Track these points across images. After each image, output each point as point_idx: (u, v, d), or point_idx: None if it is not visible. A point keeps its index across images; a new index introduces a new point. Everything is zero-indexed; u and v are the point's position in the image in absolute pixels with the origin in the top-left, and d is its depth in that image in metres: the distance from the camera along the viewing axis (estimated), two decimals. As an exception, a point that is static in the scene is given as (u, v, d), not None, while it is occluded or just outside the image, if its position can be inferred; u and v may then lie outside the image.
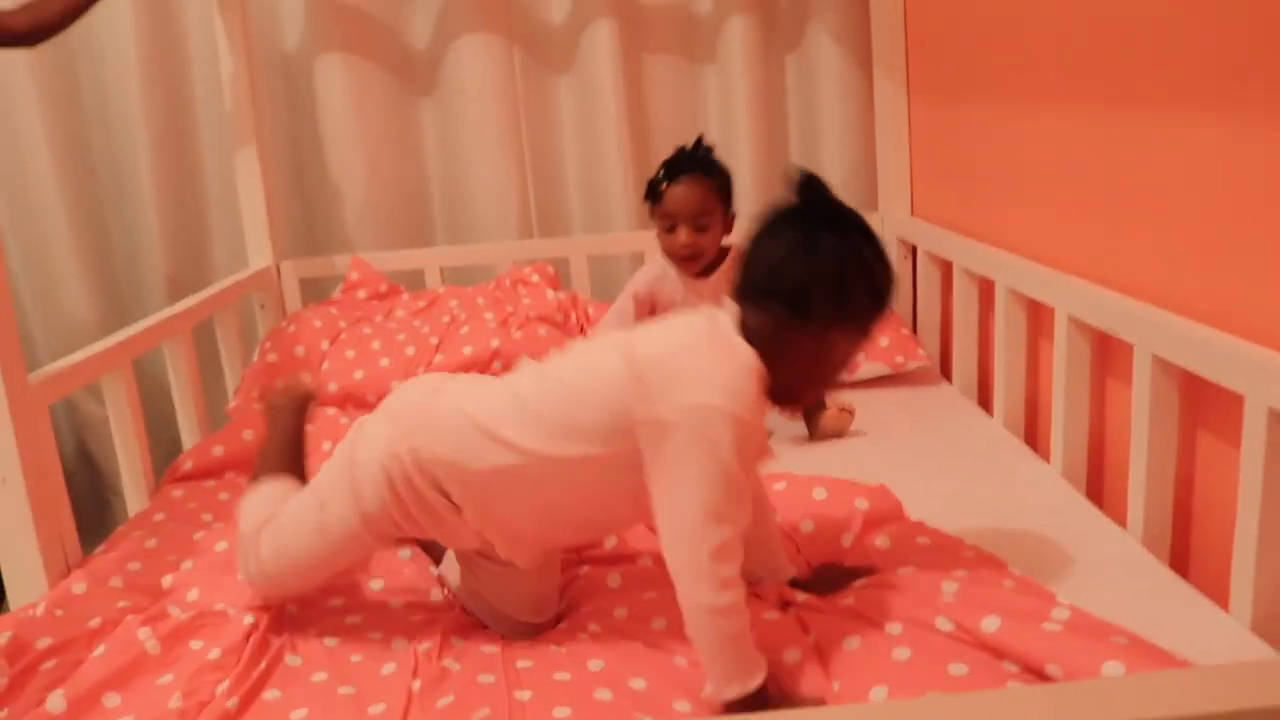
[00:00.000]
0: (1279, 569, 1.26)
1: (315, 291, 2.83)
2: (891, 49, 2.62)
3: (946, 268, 2.40)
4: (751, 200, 2.81)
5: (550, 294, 2.56)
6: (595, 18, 2.73)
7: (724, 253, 2.10)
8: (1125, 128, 1.60)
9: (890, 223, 2.66)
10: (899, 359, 2.30)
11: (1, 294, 1.53)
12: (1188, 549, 1.52)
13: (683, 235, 2.02)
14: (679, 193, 2.01)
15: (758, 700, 1.13)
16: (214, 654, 1.34)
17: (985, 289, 2.15)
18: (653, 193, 2.05)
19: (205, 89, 2.81)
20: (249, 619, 1.41)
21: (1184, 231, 1.48)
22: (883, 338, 2.31)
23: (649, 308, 2.09)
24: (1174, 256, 1.51)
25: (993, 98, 2.09)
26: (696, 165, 2.04)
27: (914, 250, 2.56)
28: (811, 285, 1.18)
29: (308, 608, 1.50)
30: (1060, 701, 0.65)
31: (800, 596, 1.35)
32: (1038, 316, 1.94)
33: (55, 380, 1.70)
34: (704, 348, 1.20)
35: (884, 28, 2.62)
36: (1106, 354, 1.71)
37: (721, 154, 2.86)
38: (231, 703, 1.24)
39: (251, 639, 1.37)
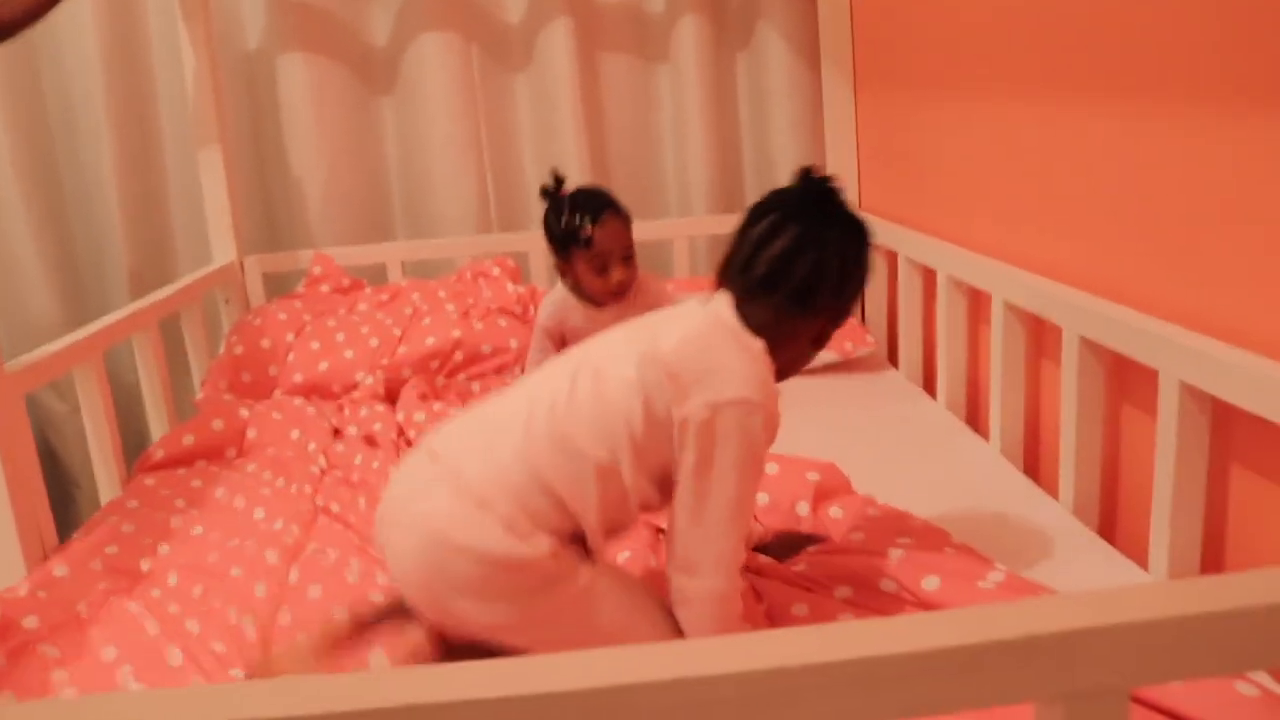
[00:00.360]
0: (1191, 529, 1.36)
1: (278, 286, 2.88)
2: (838, 46, 2.71)
3: (892, 259, 2.49)
4: (706, 196, 2.89)
5: (510, 287, 2.62)
6: (552, 17, 2.80)
7: None
8: (1053, 121, 1.70)
9: (839, 215, 2.75)
10: (848, 346, 2.39)
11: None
12: (1114, 516, 1.62)
13: (617, 273, 1.95)
14: (607, 232, 1.94)
15: None
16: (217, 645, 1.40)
17: (928, 278, 2.25)
18: (576, 238, 1.94)
19: (167, 87, 2.85)
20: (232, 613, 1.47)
21: (1105, 220, 1.58)
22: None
23: (559, 340, 2.07)
24: (1098, 243, 1.60)
25: (935, 94, 2.19)
26: (608, 201, 1.98)
27: (861, 242, 2.66)
28: (818, 280, 1.24)
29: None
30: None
31: (761, 559, 1.44)
32: (976, 303, 2.04)
33: (30, 371, 1.75)
34: (726, 344, 1.23)
35: (831, 26, 2.71)
36: (1040, 337, 1.81)
37: (675, 149, 2.96)
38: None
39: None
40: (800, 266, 1.23)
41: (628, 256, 1.97)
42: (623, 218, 1.97)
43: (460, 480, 1.18)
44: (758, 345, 1.23)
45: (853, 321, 2.46)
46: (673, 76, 2.90)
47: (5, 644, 1.35)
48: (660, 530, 1.55)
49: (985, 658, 0.62)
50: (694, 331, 1.24)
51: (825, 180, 1.28)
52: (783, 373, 1.30)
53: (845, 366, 2.42)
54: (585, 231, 1.93)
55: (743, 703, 0.61)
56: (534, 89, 2.89)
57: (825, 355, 2.36)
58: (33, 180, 2.76)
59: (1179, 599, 0.64)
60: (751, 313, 1.25)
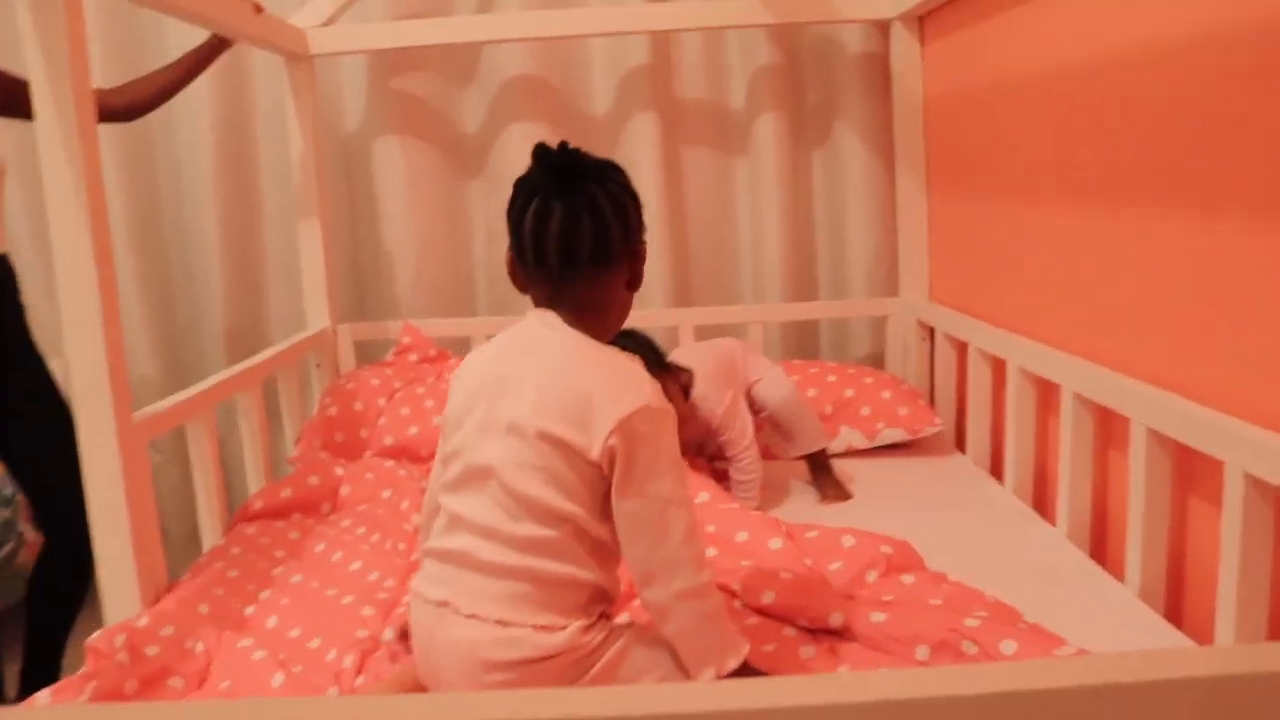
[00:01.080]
0: (1256, 614, 1.41)
1: (366, 354, 3.02)
2: (912, 146, 2.82)
3: (961, 348, 2.58)
4: (781, 284, 3.00)
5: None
6: (638, 111, 2.96)
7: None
8: (1120, 223, 1.79)
9: (910, 306, 2.84)
10: (916, 426, 2.46)
11: (115, 345, 1.71)
12: (1180, 601, 1.67)
13: None
14: None
15: (750, 669, 1.28)
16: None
17: (998, 367, 2.33)
18: None
19: (270, 163, 3.03)
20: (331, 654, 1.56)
21: (1172, 317, 1.65)
22: (901, 406, 2.48)
23: None
24: (1165, 339, 1.68)
25: (1004, 194, 2.29)
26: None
27: (931, 331, 2.75)
28: (605, 235, 1.28)
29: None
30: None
31: (835, 620, 1.50)
32: (1046, 393, 2.11)
33: (153, 421, 1.87)
34: (594, 363, 1.28)
35: (905, 127, 2.82)
36: (1108, 427, 1.88)
37: (751, 238, 3.07)
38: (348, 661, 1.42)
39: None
40: (584, 233, 1.27)
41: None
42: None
43: (476, 620, 1.25)
44: (612, 350, 1.30)
45: (921, 403, 2.54)
46: (751, 170, 3.03)
47: (137, 671, 1.45)
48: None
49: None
50: (564, 368, 1.28)
51: (553, 149, 1.30)
52: (616, 324, 1.37)
53: (915, 450, 2.49)
54: None
55: None
56: (618, 176, 3.02)
57: (894, 433, 2.45)
58: (143, 247, 2.95)
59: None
60: (569, 296, 1.31)
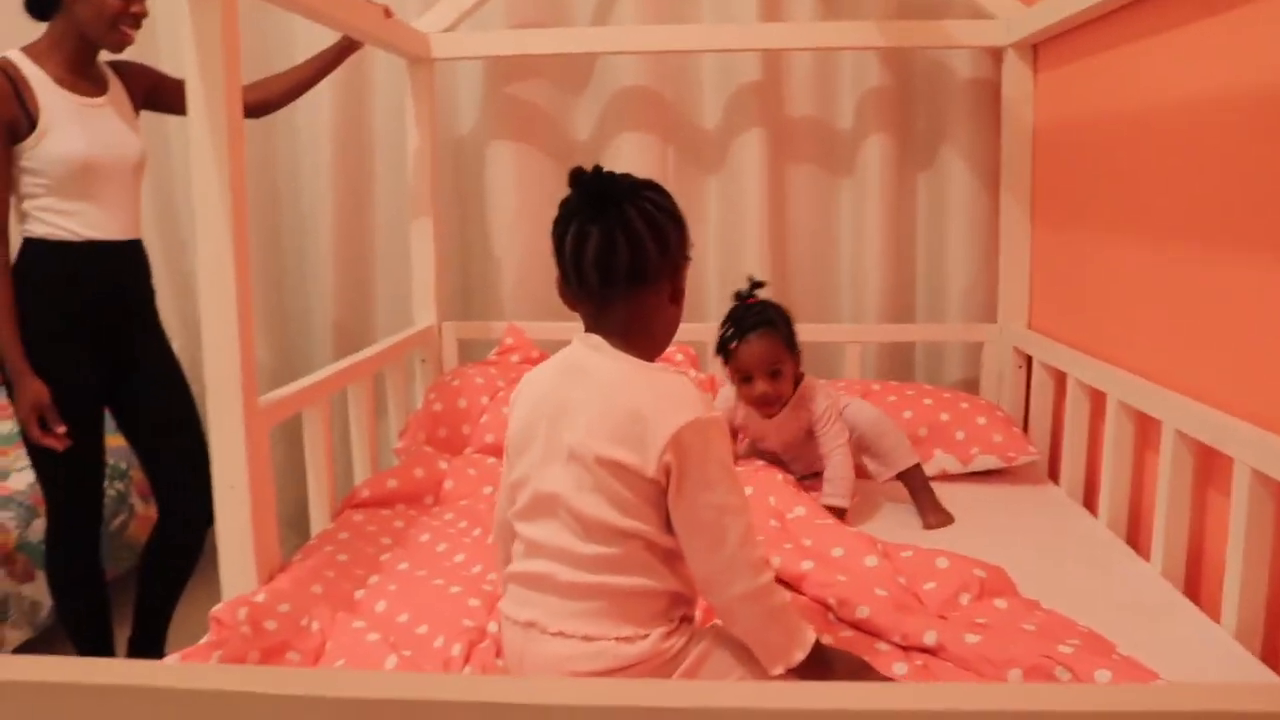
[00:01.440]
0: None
1: (469, 353, 3.11)
2: (1019, 174, 2.82)
3: (1059, 378, 2.58)
4: (879, 305, 3.03)
5: (691, 373, 2.78)
6: (747, 127, 3.01)
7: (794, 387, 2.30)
8: (1225, 263, 1.79)
9: (1008, 334, 2.85)
10: (1010, 454, 2.47)
11: (247, 334, 1.80)
12: (1277, 641, 1.67)
13: (760, 386, 2.20)
14: (752, 349, 2.20)
15: (820, 657, 1.33)
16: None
17: (1096, 399, 2.33)
18: (724, 349, 2.24)
19: (385, 164, 3.14)
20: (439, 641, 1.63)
21: (1276, 357, 1.66)
22: (996, 433, 2.49)
23: (732, 432, 2.34)
24: (1273, 379, 1.68)
25: (1110, 227, 2.29)
26: (762, 320, 2.21)
27: (1029, 360, 2.75)
28: (641, 254, 1.33)
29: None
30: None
31: (929, 639, 1.53)
32: (1145, 428, 2.11)
33: (277, 406, 1.96)
34: (642, 383, 1.33)
35: (1013, 155, 2.83)
36: (1208, 465, 1.88)
37: (852, 258, 3.10)
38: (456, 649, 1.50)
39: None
40: (621, 254, 1.32)
41: (775, 373, 2.20)
42: (772, 338, 2.20)
43: (562, 637, 1.32)
44: (659, 367, 1.36)
45: (1015, 431, 2.54)
46: (856, 190, 3.06)
47: (259, 643, 1.54)
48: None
49: None
50: (604, 397, 1.32)
51: (589, 172, 1.36)
52: (663, 339, 1.42)
53: (1008, 478, 2.50)
54: (730, 345, 2.21)
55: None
56: (724, 191, 3.08)
57: (987, 460, 2.46)
58: (259, 240, 3.07)
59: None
60: (611, 315, 1.37)
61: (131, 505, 2.94)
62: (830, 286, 3.14)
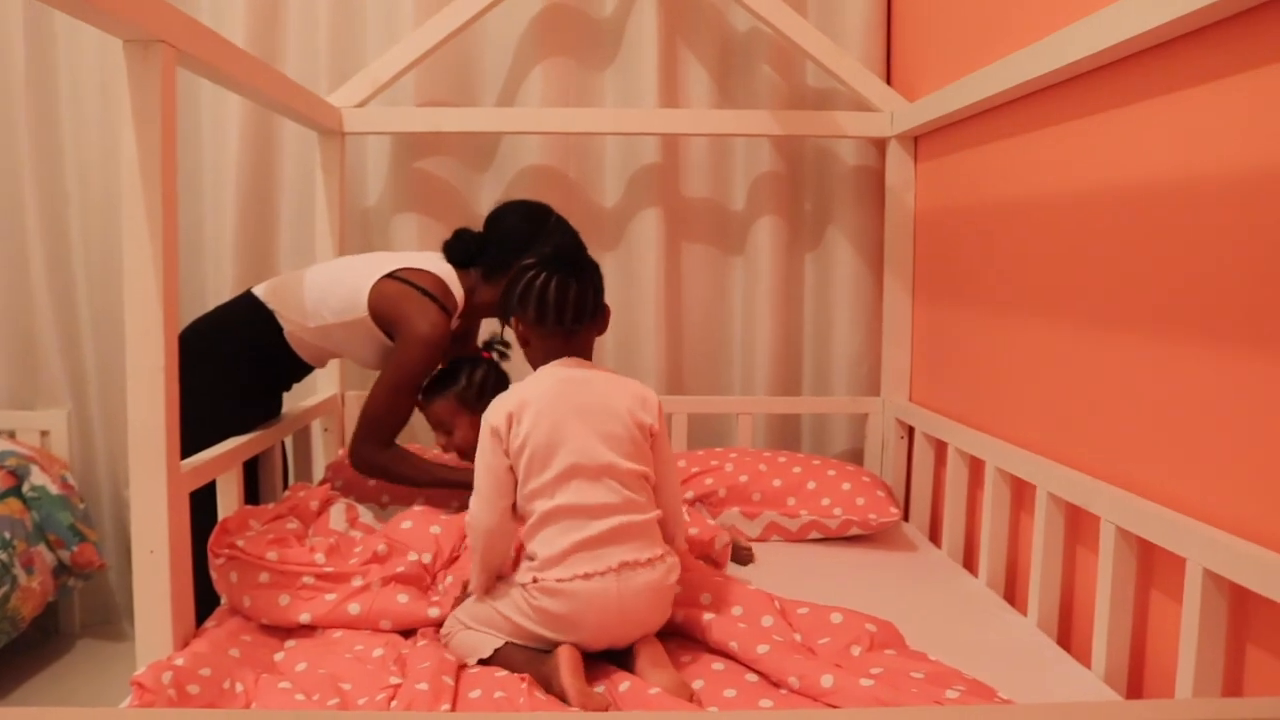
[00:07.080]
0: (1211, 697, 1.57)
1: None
2: (901, 256, 3.01)
3: (940, 447, 2.75)
4: (768, 378, 3.18)
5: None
6: (645, 205, 3.15)
7: None
8: (1092, 337, 1.97)
9: (891, 406, 3.02)
10: (871, 517, 2.58)
11: (172, 399, 1.84)
12: (1140, 685, 1.83)
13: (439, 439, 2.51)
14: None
15: None
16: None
17: (975, 467, 2.50)
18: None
19: (290, 233, 3.22)
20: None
21: (1138, 423, 1.83)
22: (859, 497, 2.62)
23: None
24: (1131, 444, 1.86)
25: (986, 306, 2.47)
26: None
27: (911, 430, 2.92)
28: (600, 299, 1.96)
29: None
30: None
31: (826, 682, 1.63)
32: (1020, 492, 2.28)
33: (197, 471, 1.99)
34: (619, 378, 1.94)
35: (896, 237, 3.02)
36: (1077, 524, 2.05)
37: (743, 333, 3.25)
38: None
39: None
40: (592, 299, 1.92)
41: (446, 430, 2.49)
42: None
43: (654, 562, 1.78)
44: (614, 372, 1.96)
45: (879, 495, 2.65)
46: (747, 268, 3.23)
47: (184, 707, 1.56)
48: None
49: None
50: (611, 388, 1.87)
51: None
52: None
53: (890, 543, 2.63)
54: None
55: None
56: (622, 266, 3.21)
57: (849, 520, 2.59)
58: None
59: None
60: (575, 344, 1.90)
61: (14, 576, 2.88)
62: (723, 360, 3.28)
